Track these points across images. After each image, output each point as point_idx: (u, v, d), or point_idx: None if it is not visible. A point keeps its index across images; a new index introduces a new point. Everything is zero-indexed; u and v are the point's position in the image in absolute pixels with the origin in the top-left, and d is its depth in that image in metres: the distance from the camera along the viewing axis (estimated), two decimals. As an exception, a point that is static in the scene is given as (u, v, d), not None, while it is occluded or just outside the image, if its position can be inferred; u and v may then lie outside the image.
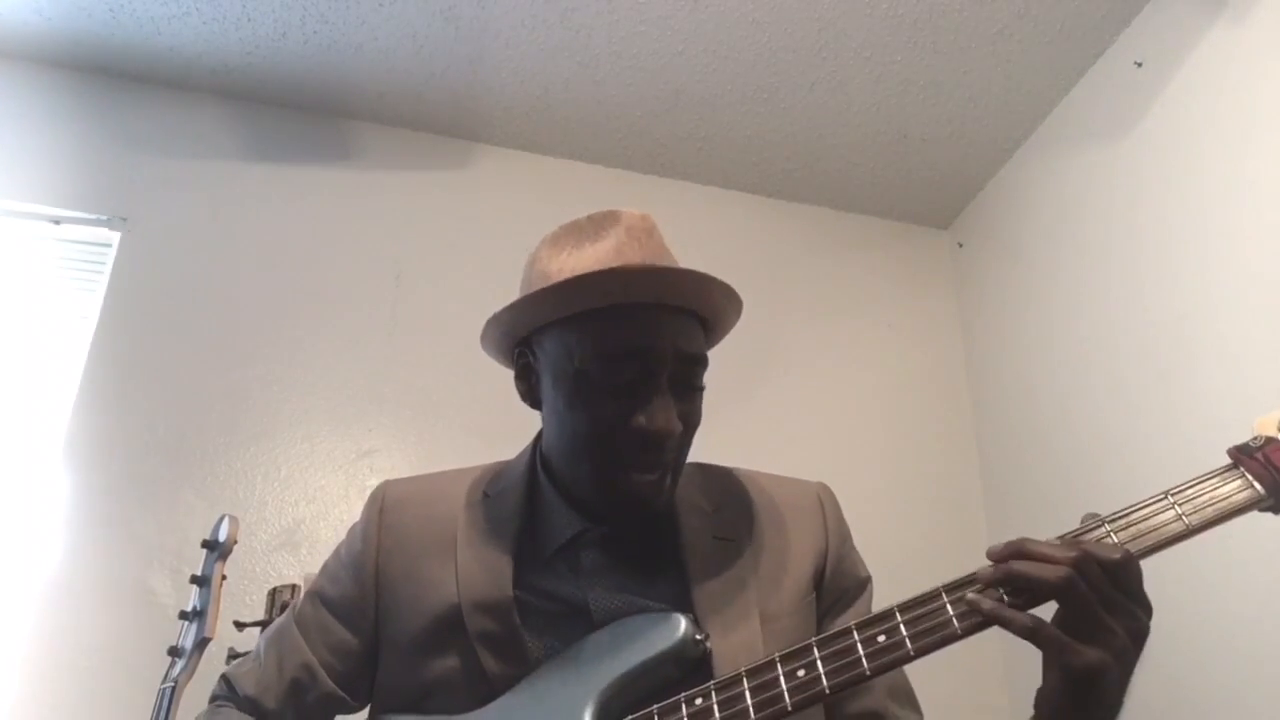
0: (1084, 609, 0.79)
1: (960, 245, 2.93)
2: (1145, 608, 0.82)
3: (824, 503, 1.11)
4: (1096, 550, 0.81)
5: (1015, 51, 2.36)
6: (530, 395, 1.05)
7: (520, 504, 1.04)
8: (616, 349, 0.94)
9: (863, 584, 1.09)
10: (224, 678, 1.09)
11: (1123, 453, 2.11)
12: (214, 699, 1.09)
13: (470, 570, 1.00)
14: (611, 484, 0.97)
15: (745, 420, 2.41)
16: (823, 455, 2.52)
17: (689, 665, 0.92)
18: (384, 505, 1.08)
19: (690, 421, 0.99)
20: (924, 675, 1.00)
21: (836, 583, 1.06)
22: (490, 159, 2.68)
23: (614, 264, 0.95)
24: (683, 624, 0.93)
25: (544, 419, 1.05)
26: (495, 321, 1.01)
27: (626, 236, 0.98)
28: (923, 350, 2.82)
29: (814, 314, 2.76)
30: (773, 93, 2.50)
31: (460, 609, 0.97)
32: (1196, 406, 1.93)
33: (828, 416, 2.63)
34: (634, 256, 0.97)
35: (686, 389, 0.98)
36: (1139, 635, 0.81)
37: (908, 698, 1.04)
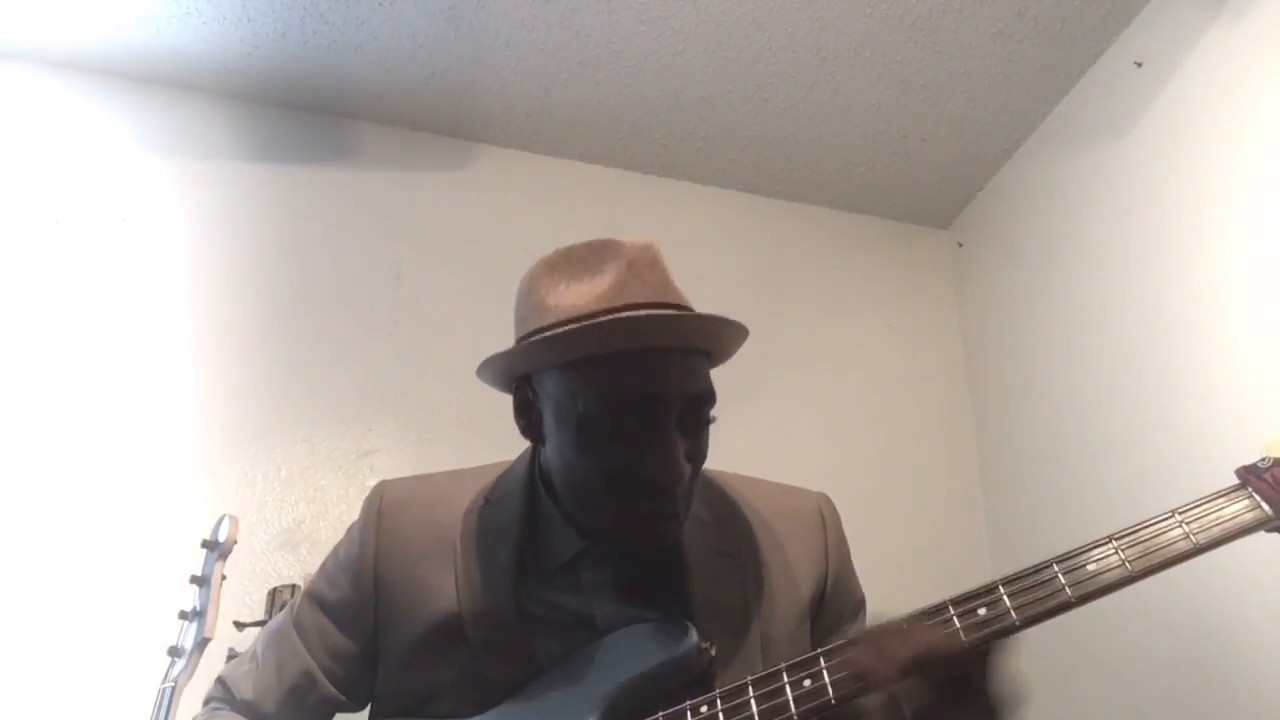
0: (926, 705, 0.80)
1: (960, 245, 2.92)
2: (1003, 699, 0.81)
3: (825, 519, 1.09)
4: (935, 646, 0.80)
5: (1015, 51, 2.35)
6: (531, 431, 1.01)
7: (520, 513, 1.02)
8: (622, 395, 0.91)
9: (858, 606, 1.09)
10: (220, 680, 1.08)
11: (1122, 453, 2.11)
12: (209, 701, 1.08)
13: (470, 579, 0.99)
14: (621, 525, 0.95)
15: (744, 421, 2.40)
16: (822, 455, 2.52)
17: (694, 675, 0.92)
18: (382, 508, 1.07)
19: (698, 457, 0.97)
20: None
21: (833, 605, 1.06)
22: (490, 159, 2.68)
23: (617, 302, 0.91)
24: (691, 632, 0.92)
25: (547, 453, 1.01)
26: (492, 363, 0.97)
27: (628, 271, 0.93)
28: (922, 350, 2.81)
29: (813, 314, 2.76)
30: (773, 93, 2.50)
31: (460, 617, 0.97)
32: (1196, 406, 1.92)
33: (827, 417, 2.63)
34: (638, 293, 0.92)
35: (694, 425, 0.96)
36: None
37: None
